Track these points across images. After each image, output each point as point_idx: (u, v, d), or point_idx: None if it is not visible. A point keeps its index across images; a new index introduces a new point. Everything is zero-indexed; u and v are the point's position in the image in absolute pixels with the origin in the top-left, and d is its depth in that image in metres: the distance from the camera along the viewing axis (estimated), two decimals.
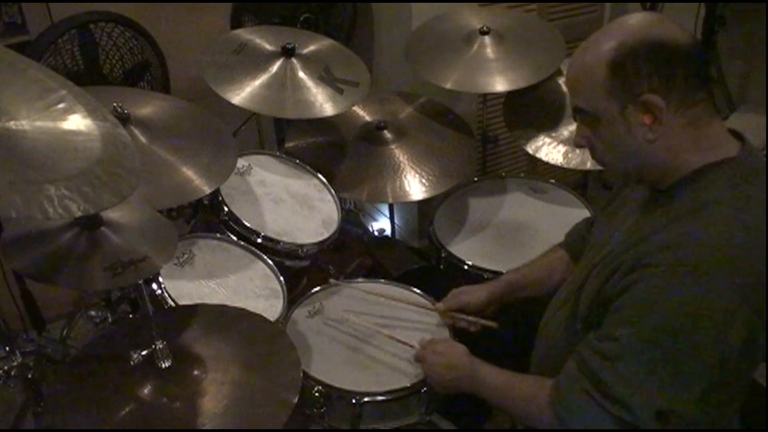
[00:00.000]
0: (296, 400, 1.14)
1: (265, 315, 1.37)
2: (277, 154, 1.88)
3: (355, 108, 2.07)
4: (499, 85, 1.94)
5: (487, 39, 2.01)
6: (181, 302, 1.40)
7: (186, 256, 1.52)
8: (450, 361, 1.32)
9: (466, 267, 1.76)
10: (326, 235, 1.71)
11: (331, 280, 1.67)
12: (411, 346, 1.43)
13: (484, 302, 1.48)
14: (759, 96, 2.35)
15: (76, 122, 0.99)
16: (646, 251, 0.99)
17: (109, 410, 1.10)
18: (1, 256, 1.14)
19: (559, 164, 1.94)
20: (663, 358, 0.97)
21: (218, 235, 1.60)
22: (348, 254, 2.05)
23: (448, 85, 1.95)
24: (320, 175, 1.85)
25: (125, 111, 1.45)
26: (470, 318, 1.49)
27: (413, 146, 1.98)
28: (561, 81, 2.07)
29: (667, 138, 1.02)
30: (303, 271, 1.76)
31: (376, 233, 2.28)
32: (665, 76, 0.99)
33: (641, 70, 0.99)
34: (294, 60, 1.86)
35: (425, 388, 1.39)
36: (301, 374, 1.21)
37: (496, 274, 1.70)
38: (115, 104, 1.43)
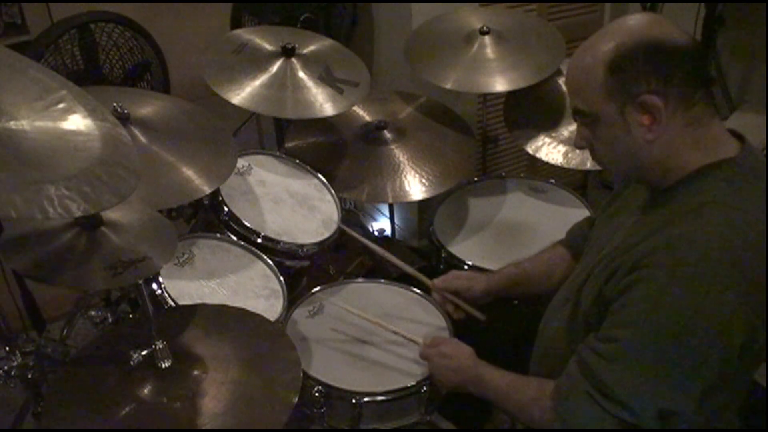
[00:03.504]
0: (296, 400, 1.14)
1: (265, 315, 1.37)
2: (277, 154, 1.88)
3: (355, 108, 2.07)
4: (499, 85, 1.95)
5: (487, 39, 2.01)
6: (181, 302, 1.40)
7: (186, 256, 1.52)
8: (456, 364, 1.32)
9: (465, 267, 1.76)
10: (326, 235, 1.71)
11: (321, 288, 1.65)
12: (416, 343, 1.43)
13: (482, 292, 1.49)
14: (759, 96, 2.35)
15: (76, 122, 0.99)
16: (645, 252, 0.99)
17: (109, 410, 1.10)
18: (1, 256, 1.14)
19: (559, 164, 1.94)
20: (663, 358, 0.97)
21: (218, 235, 1.60)
22: (348, 254, 2.05)
23: (448, 85, 1.95)
24: (320, 175, 1.85)
25: (125, 111, 1.45)
26: (461, 303, 1.49)
27: (413, 146, 1.98)
28: (561, 81, 2.07)
29: (666, 138, 1.02)
30: (303, 271, 1.76)
31: (376, 233, 2.28)
32: (663, 77, 0.99)
33: (639, 70, 0.99)
34: (294, 60, 1.86)
35: (425, 388, 1.39)
36: (301, 374, 1.21)
37: None
38: (115, 104, 1.43)
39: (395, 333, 1.46)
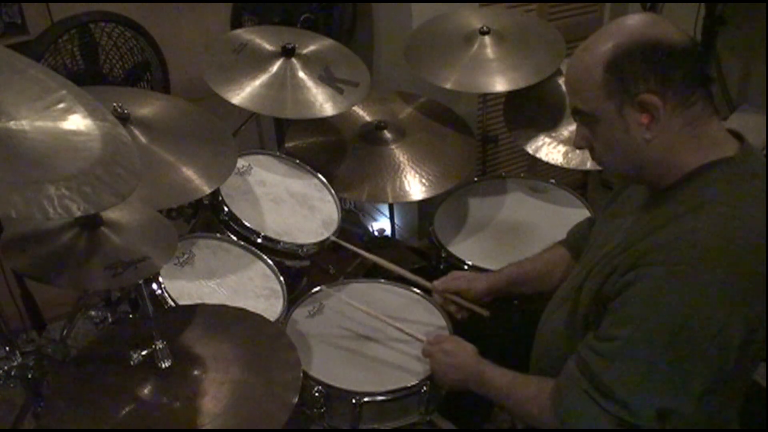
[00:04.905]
0: (296, 400, 1.15)
1: (265, 315, 1.37)
2: (277, 154, 1.88)
3: (355, 108, 2.07)
4: (499, 85, 1.95)
5: (487, 39, 2.01)
6: (181, 302, 1.40)
7: (186, 256, 1.52)
8: (458, 361, 1.33)
9: (466, 267, 1.76)
10: (326, 235, 1.71)
11: (323, 287, 1.65)
12: (419, 340, 1.43)
13: (483, 292, 1.49)
14: (759, 96, 2.35)
15: (76, 122, 0.99)
16: (644, 250, 0.99)
17: (109, 410, 1.11)
18: (1, 256, 1.14)
19: (559, 164, 1.94)
20: (662, 357, 0.97)
21: (218, 235, 1.61)
22: (348, 254, 2.05)
23: (448, 85, 1.95)
24: (320, 175, 1.85)
25: (125, 111, 1.45)
26: (464, 302, 1.49)
27: (413, 146, 1.98)
28: (561, 81, 2.07)
29: (665, 137, 1.02)
30: (303, 271, 1.76)
31: (376, 233, 2.28)
32: (662, 76, 0.99)
33: (638, 70, 1.00)
34: (294, 60, 1.86)
35: (425, 388, 1.39)
36: (301, 374, 1.21)
37: None
38: (115, 104, 1.43)
39: (400, 330, 1.46)
